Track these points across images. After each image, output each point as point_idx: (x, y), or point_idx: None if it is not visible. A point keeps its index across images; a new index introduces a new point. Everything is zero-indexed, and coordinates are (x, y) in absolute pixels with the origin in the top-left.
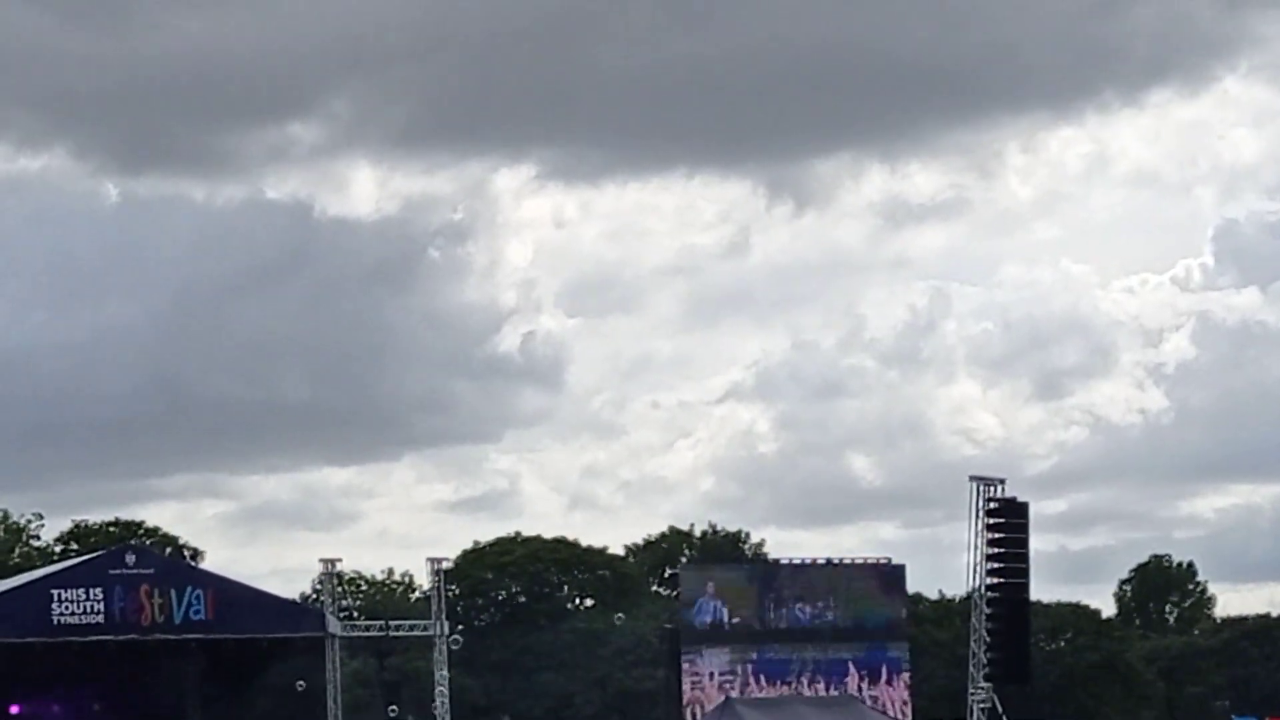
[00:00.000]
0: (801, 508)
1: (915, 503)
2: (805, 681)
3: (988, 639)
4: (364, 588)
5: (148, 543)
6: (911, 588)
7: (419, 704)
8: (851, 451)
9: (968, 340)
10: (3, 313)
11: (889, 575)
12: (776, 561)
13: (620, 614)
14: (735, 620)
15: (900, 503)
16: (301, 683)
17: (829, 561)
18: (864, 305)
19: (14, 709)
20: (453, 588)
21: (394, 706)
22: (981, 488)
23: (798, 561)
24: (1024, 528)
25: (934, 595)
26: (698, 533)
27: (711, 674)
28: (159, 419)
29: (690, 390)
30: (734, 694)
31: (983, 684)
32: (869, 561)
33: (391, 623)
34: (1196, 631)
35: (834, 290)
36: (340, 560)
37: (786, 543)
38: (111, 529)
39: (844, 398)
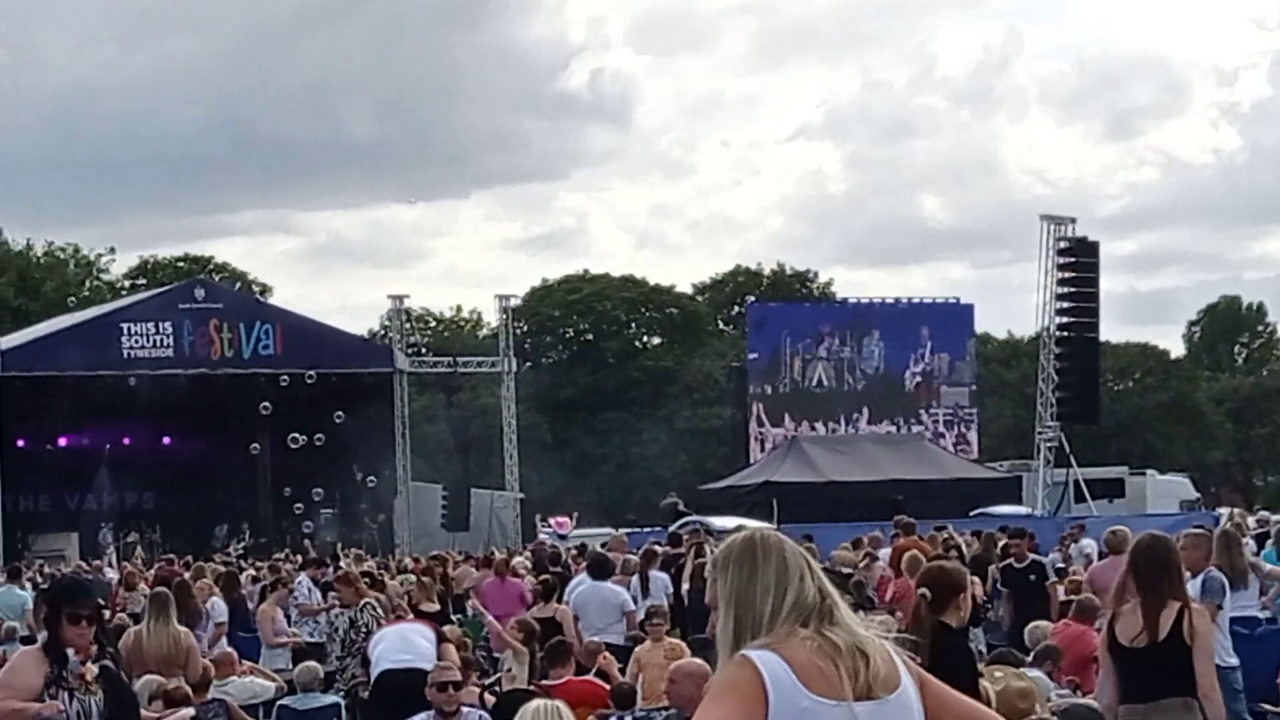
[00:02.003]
0: (870, 248)
1: (984, 243)
2: (872, 419)
3: (1056, 379)
4: (432, 324)
5: (216, 278)
6: (979, 328)
7: (486, 439)
8: (921, 191)
9: (1040, 79)
10: (69, 50)
11: (957, 314)
12: (844, 300)
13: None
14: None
15: (969, 243)
16: (340, 413)
17: (897, 301)
18: (935, 44)
19: (62, 441)
20: (520, 325)
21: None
22: (1052, 227)
23: (865, 301)
24: (1094, 267)
25: (1002, 335)
26: (766, 272)
27: (788, 413)
28: (228, 155)
29: (759, 129)
30: (800, 432)
31: (1050, 423)
32: (937, 301)
33: (459, 359)
34: (1265, 372)
35: (905, 28)
36: (408, 297)
37: (854, 282)
38: (180, 264)
39: (914, 137)
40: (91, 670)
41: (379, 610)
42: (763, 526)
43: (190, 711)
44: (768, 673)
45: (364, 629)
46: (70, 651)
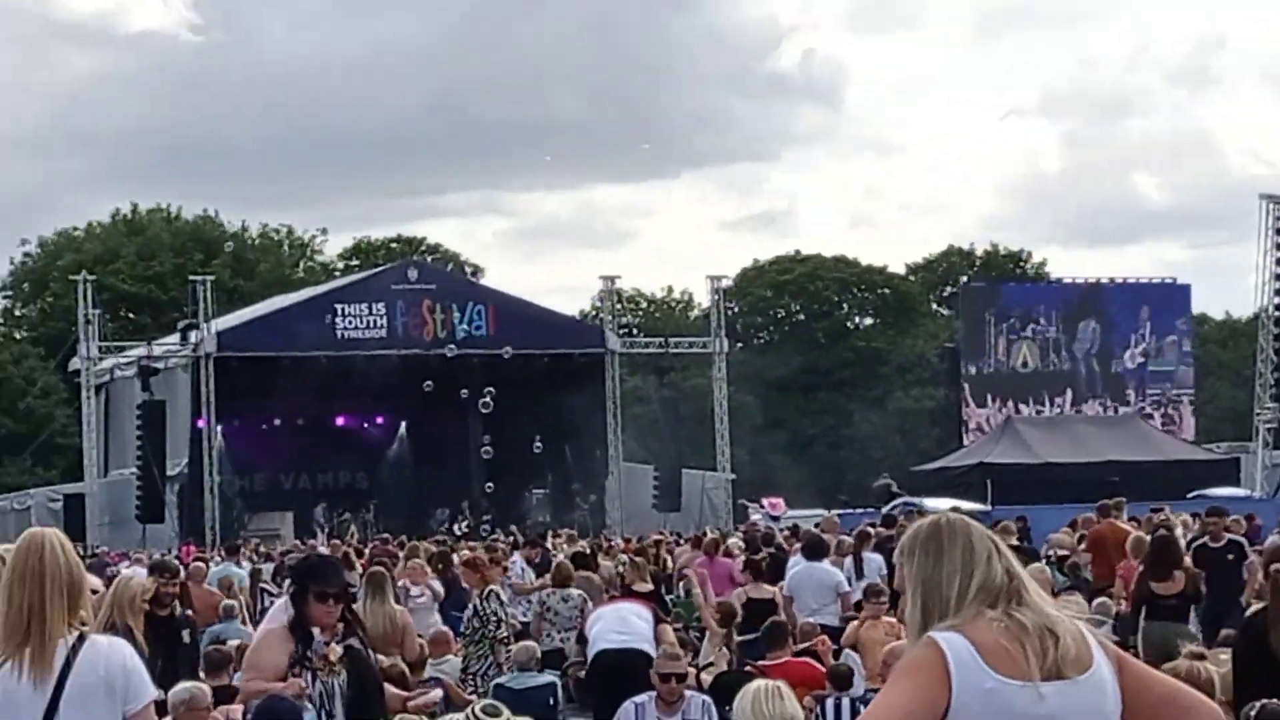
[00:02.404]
0: (1084, 227)
1: (1201, 222)
2: (1078, 400)
3: (1275, 359)
4: (643, 305)
5: (429, 259)
6: (1196, 308)
7: (697, 420)
8: (1136, 170)
9: (1257, 57)
10: (286, 29)
11: (1174, 294)
12: (1059, 280)
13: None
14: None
15: (1185, 222)
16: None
17: (1112, 281)
18: (1151, 22)
19: (299, 421)
20: (732, 305)
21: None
22: (1271, 206)
23: (1082, 281)
24: None
25: (1219, 316)
26: (979, 252)
27: (992, 394)
28: (442, 136)
29: (972, 108)
30: (1014, 413)
31: (1269, 404)
32: (1154, 281)
33: (670, 339)
34: None
35: (1121, 6)
36: (620, 277)
37: (1067, 262)
38: (393, 245)
39: (1130, 116)
40: (336, 650)
41: (503, 597)
42: (950, 511)
43: (439, 693)
44: (951, 654)
45: (492, 616)
46: (316, 631)
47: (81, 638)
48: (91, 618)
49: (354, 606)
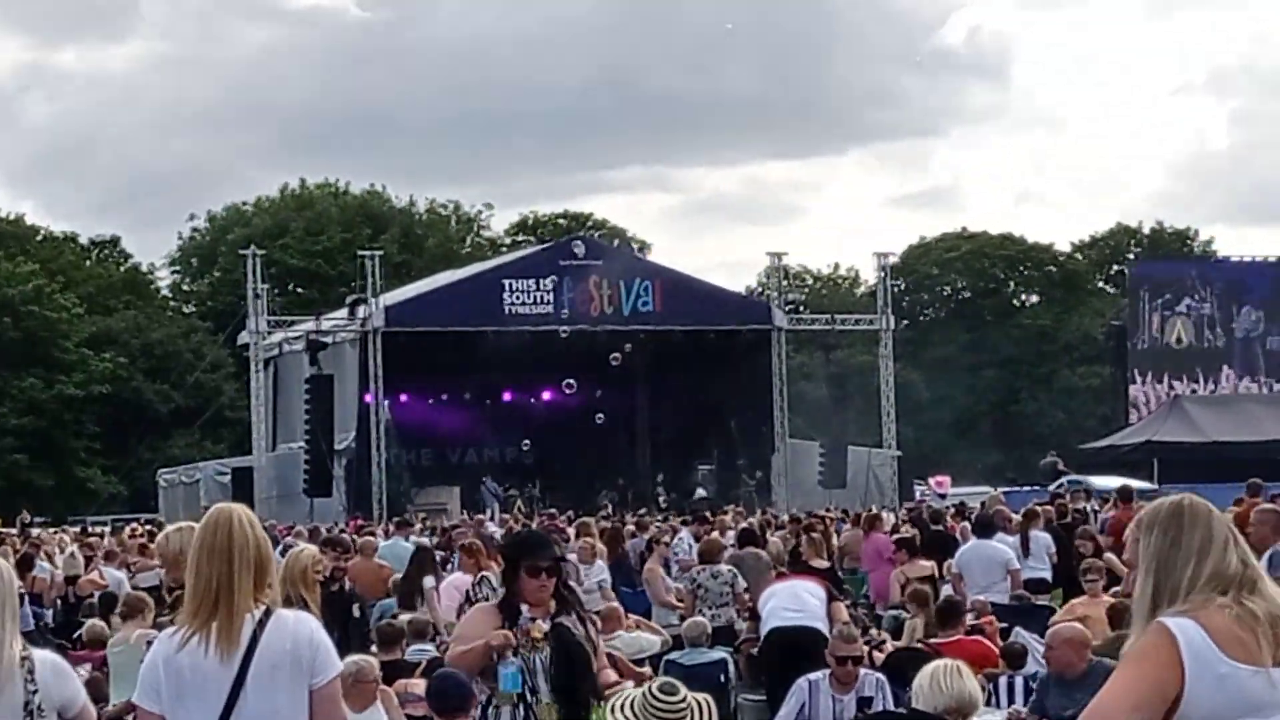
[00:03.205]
0: (1254, 205)
1: None
2: (1254, 380)
3: None
4: (809, 281)
5: (595, 235)
6: None
7: (863, 397)
8: None
9: None
10: (456, 8)
11: None
12: (1227, 259)
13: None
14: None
15: None
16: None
17: (1279, 259)
18: None
19: (466, 395)
20: (898, 282)
21: None
22: None
23: (1249, 259)
24: None
25: None
26: (1146, 230)
27: (1159, 373)
28: (608, 111)
29: (1141, 84)
30: (1182, 391)
31: None
32: None
33: (837, 316)
34: None
35: None
36: (787, 254)
37: (1237, 240)
38: (560, 220)
39: None
40: (541, 626)
41: (494, 583)
42: (1186, 495)
43: (647, 671)
44: (1184, 640)
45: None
46: (524, 607)
47: (268, 612)
48: (278, 593)
49: (569, 583)
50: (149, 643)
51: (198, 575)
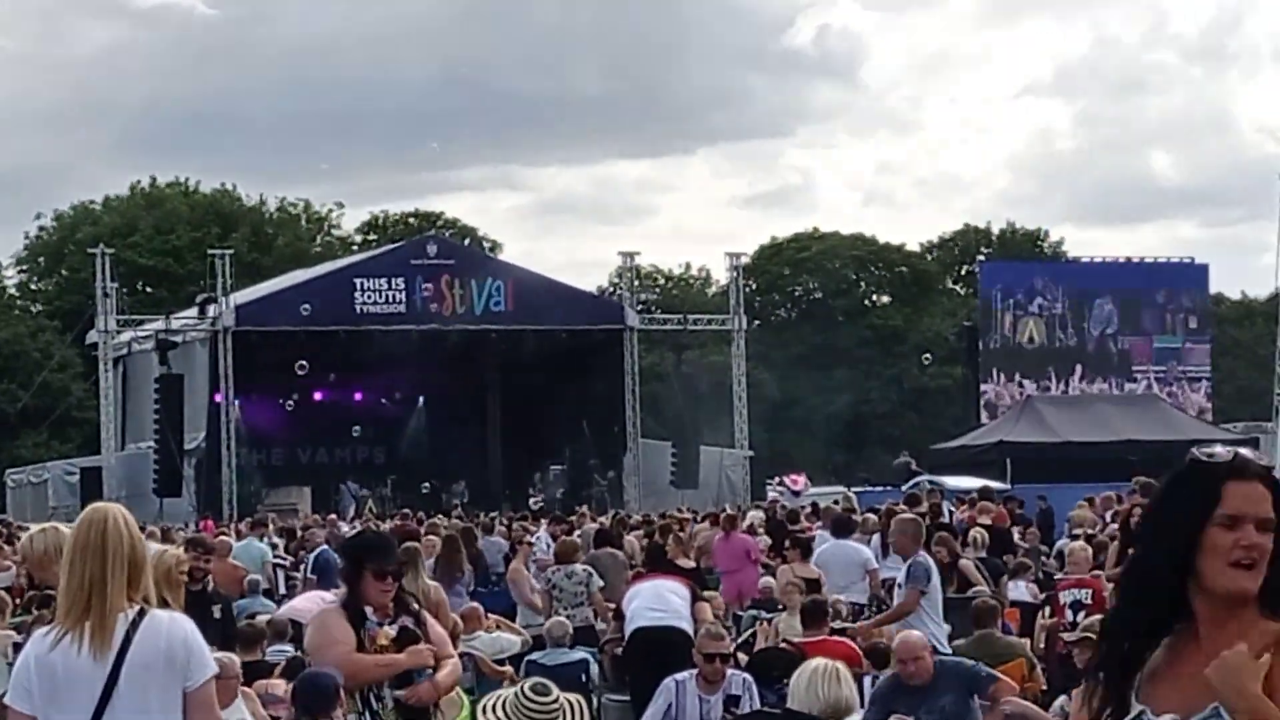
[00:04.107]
0: (1100, 206)
1: (1217, 201)
2: (1105, 380)
3: None
4: (661, 282)
5: (446, 234)
6: (1213, 288)
7: (715, 398)
8: (1152, 148)
9: (1275, 36)
10: (302, 7)
11: (1191, 274)
12: (1076, 259)
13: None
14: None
15: (1201, 201)
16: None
17: (1129, 260)
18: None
19: (317, 395)
20: (750, 283)
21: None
22: None
23: (1098, 260)
24: None
25: (1235, 295)
26: (995, 231)
27: (1010, 373)
28: (457, 111)
29: (988, 86)
30: (1033, 391)
31: None
32: (1171, 260)
33: (689, 316)
34: None
35: None
36: (639, 253)
37: (1084, 241)
38: (410, 220)
39: (1146, 94)
40: (388, 632)
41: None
42: None
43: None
44: None
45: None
46: (369, 610)
47: (142, 612)
48: (152, 594)
49: (405, 584)
50: (15, 645)
51: (71, 574)
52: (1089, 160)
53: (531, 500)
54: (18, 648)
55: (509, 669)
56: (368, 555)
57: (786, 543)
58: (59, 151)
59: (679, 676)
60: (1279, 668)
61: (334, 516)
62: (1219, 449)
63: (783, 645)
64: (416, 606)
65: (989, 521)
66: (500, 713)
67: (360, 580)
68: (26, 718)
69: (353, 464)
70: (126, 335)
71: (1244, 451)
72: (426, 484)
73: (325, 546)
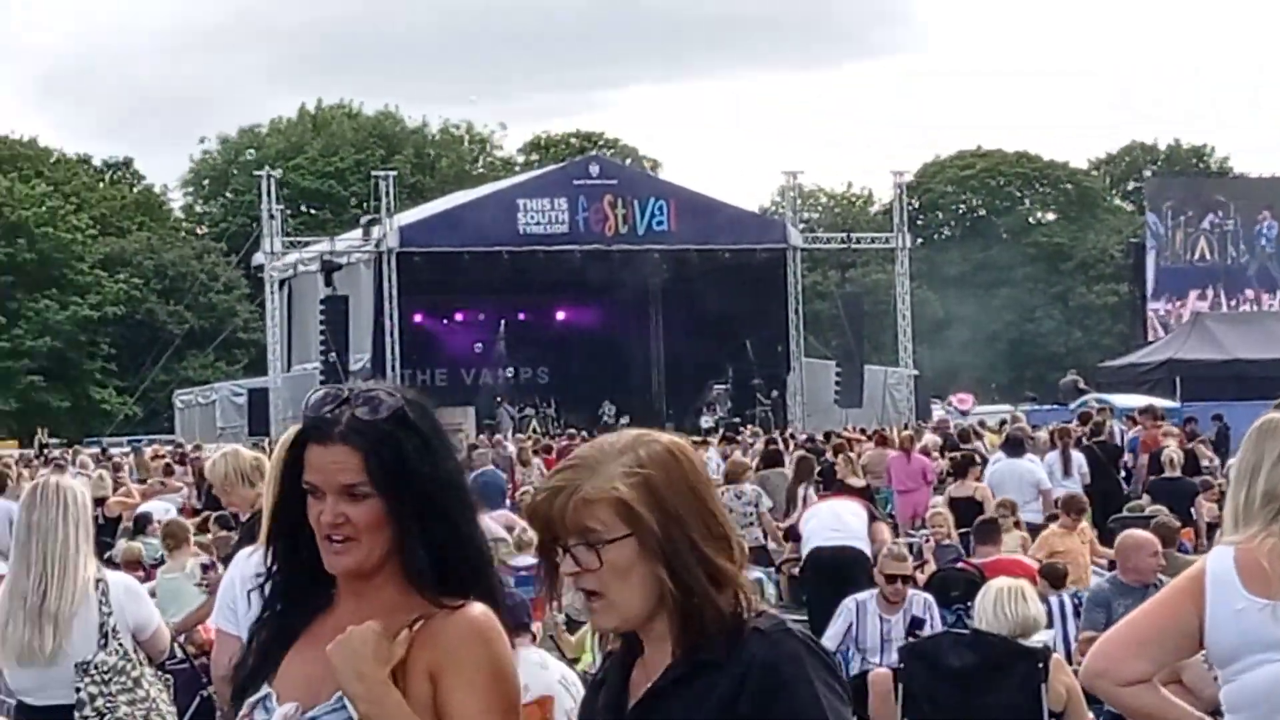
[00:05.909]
0: (1273, 121)
1: None
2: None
3: None
4: (824, 200)
5: (608, 153)
6: None
7: (878, 317)
8: None
9: None
10: None
11: None
12: (1245, 175)
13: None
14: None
15: None
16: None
17: None
18: None
19: (459, 315)
20: (913, 201)
21: None
22: None
23: (1269, 175)
24: None
25: None
26: (1162, 146)
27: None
28: (619, 29)
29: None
30: (1203, 308)
31: None
32: None
33: (852, 235)
34: None
35: None
36: (802, 172)
37: (1253, 157)
38: (572, 139)
39: None
40: None
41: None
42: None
43: None
44: (1211, 571)
45: None
46: None
47: None
48: None
49: None
50: (203, 566)
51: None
52: (1262, 75)
53: (702, 420)
54: (205, 569)
55: None
56: None
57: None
58: (220, 75)
59: (859, 596)
60: (421, 651)
61: (499, 437)
62: None
63: (961, 566)
64: None
65: (1174, 444)
66: None
67: None
68: (233, 638)
69: (515, 384)
70: (291, 257)
71: None
72: (606, 406)
73: (491, 467)
